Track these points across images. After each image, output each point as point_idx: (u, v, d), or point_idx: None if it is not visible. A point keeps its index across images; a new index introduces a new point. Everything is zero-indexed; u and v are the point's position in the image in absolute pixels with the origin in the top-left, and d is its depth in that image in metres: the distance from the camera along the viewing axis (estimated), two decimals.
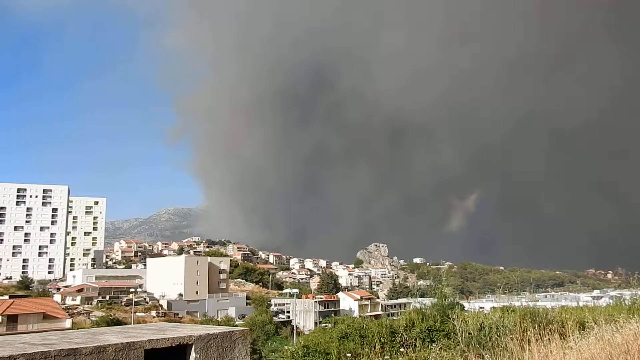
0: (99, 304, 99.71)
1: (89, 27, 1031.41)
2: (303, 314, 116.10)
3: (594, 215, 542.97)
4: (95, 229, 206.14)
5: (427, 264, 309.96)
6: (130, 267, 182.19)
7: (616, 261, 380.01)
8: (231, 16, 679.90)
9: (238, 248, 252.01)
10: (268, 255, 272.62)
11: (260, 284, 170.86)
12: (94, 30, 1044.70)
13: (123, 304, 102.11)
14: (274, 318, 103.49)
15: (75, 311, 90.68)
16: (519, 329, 11.48)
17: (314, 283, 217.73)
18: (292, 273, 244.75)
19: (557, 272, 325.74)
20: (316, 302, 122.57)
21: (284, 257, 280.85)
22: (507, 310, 12.70)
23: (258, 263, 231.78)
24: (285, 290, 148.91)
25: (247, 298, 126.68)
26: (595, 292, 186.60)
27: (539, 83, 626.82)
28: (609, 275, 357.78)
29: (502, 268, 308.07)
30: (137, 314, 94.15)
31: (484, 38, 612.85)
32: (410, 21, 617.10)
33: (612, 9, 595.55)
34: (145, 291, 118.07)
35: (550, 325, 11.43)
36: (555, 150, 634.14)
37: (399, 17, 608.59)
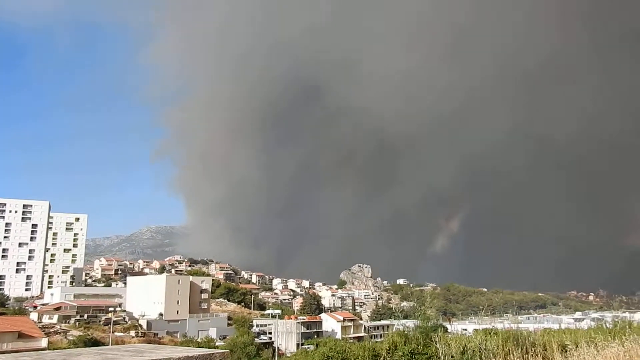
0: (77, 323, 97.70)
1: (70, 46, 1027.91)
2: (285, 335, 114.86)
3: (579, 236, 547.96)
4: (75, 245, 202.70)
5: (411, 285, 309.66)
6: (110, 286, 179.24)
7: (598, 283, 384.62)
8: (213, 32, 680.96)
9: (220, 267, 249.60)
10: (251, 275, 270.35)
11: (243, 304, 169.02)
12: (76, 49, 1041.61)
13: (101, 323, 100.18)
14: (256, 339, 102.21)
15: (52, 330, 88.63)
16: (501, 352, 11.44)
17: (297, 304, 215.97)
18: (275, 293, 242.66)
19: (540, 294, 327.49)
20: (298, 323, 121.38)
21: (267, 277, 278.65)
22: (490, 333, 12.67)
23: (240, 283, 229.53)
24: (267, 311, 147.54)
25: (229, 318, 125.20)
26: (577, 314, 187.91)
27: (527, 102, 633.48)
28: (591, 297, 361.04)
29: (485, 290, 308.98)
30: (116, 333, 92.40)
31: (473, 53, 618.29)
32: (397, 35, 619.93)
33: (598, 28, 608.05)
34: (125, 310, 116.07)
35: (533, 348, 11.40)
36: (543, 170, 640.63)
37: (386, 31, 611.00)
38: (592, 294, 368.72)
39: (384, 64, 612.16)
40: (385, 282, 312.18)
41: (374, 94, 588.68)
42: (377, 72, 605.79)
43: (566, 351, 11.13)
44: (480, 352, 11.66)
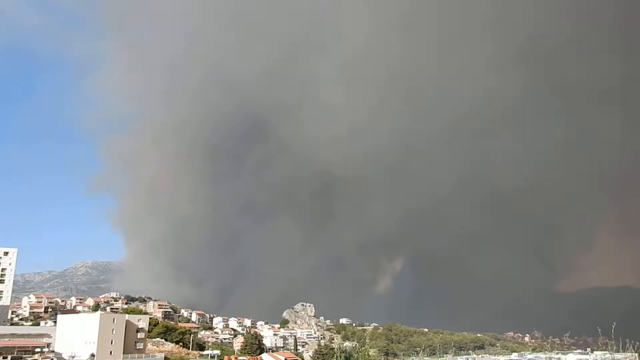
0: None
1: (3, 77, 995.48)
2: None
3: (519, 280, 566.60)
4: (2, 281, 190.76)
5: (353, 324, 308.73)
6: (39, 324, 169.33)
7: (534, 325, 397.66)
8: (162, 66, 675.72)
9: (159, 305, 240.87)
10: (191, 313, 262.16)
11: (181, 344, 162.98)
12: (11, 79, 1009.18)
13: None
14: None
15: None
16: None
17: (238, 343, 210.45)
18: (216, 332, 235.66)
19: (479, 335, 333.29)
20: None
21: (208, 315, 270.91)
22: None
23: (180, 321, 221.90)
24: (206, 352, 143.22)
25: (166, 359, 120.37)
26: (514, 355, 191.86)
27: (478, 145, 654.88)
28: (527, 338, 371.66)
29: (426, 330, 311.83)
30: None
31: (424, 95, 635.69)
32: (347, 75, 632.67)
33: (552, 74, 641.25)
34: (53, 351, 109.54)
35: None
36: (489, 214, 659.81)
37: (336, 71, 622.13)
38: (528, 334, 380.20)
39: (328, 108, 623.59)
40: (328, 322, 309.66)
41: (317, 137, 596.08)
42: (320, 116, 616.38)
43: None
44: None
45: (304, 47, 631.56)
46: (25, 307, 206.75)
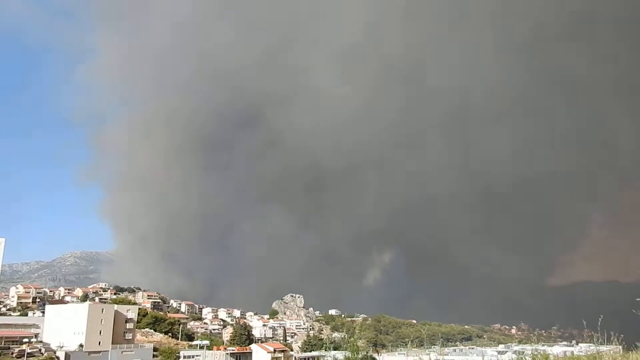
0: None
1: None
2: None
3: (508, 274, 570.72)
4: None
5: (342, 316, 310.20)
6: (27, 315, 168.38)
7: (521, 317, 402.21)
8: (153, 57, 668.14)
9: (148, 296, 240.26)
10: (180, 304, 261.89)
11: (170, 334, 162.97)
12: None
13: (14, 355, 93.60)
14: None
15: None
16: None
17: (227, 334, 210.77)
18: (205, 323, 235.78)
19: (466, 327, 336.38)
20: (227, 354, 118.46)
21: (197, 306, 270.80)
22: None
23: (169, 312, 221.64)
24: (195, 342, 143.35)
25: (155, 349, 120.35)
26: (501, 347, 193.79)
27: (470, 140, 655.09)
28: (513, 330, 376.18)
29: (414, 321, 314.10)
30: None
31: (419, 87, 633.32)
32: (341, 66, 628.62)
33: (549, 69, 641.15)
34: (42, 341, 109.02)
35: None
36: (479, 208, 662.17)
37: (330, 62, 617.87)
38: (514, 327, 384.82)
39: (322, 99, 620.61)
40: (317, 313, 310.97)
41: (308, 129, 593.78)
42: (313, 107, 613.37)
43: None
44: None
45: (297, 37, 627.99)
46: (12, 297, 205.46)
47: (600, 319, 12.84)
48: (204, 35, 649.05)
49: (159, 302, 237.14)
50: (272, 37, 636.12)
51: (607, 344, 13.14)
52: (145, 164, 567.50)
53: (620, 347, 12.90)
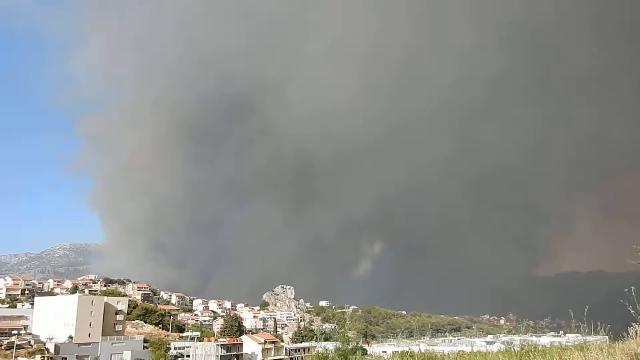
0: None
1: None
2: (204, 358, 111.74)
3: (497, 264, 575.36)
4: None
5: (333, 307, 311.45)
6: (15, 307, 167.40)
7: (510, 308, 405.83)
8: (138, 42, 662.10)
9: (138, 287, 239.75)
10: (170, 295, 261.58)
11: (160, 326, 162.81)
12: None
13: (3, 347, 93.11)
14: None
15: None
16: None
17: (218, 325, 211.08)
18: (195, 314, 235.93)
19: (455, 318, 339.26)
20: (218, 345, 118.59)
21: (187, 297, 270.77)
22: (407, 355, 13.00)
23: (159, 304, 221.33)
24: (186, 333, 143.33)
25: (145, 341, 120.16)
26: (489, 337, 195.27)
27: (460, 129, 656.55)
28: (502, 321, 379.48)
29: (404, 312, 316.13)
30: (19, 358, 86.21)
31: (409, 77, 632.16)
32: (331, 52, 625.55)
33: (536, 58, 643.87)
34: (31, 333, 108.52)
35: None
36: (469, 199, 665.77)
37: (321, 49, 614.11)
38: (503, 317, 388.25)
39: (313, 87, 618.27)
40: (307, 304, 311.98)
41: (299, 117, 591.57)
42: (304, 95, 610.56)
43: None
44: None
45: (287, 25, 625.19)
46: (1, 289, 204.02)
47: (586, 310, 12.98)
48: (194, 23, 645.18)
49: (149, 294, 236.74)
50: (263, 25, 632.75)
51: (594, 334, 13.30)
52: (132, 153, 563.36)
53: (607, 337, 13.06)
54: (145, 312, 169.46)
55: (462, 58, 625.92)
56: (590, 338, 13.23)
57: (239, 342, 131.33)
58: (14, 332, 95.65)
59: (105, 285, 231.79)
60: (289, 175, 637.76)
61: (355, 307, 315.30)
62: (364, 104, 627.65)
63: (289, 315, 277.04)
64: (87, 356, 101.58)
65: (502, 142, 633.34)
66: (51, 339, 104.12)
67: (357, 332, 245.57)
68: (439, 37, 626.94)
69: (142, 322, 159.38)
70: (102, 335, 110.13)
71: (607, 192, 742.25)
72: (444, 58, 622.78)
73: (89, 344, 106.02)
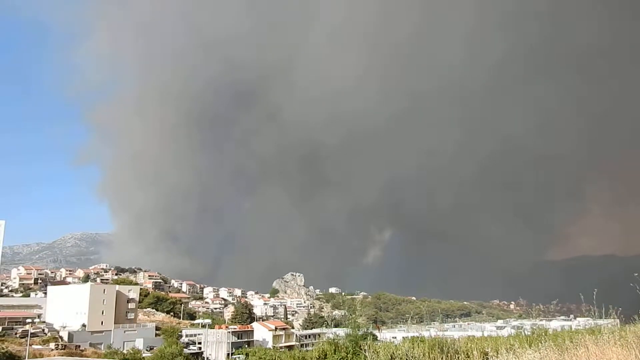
0: None
1: None
2: (215, 345, 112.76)
3: (508, 249, 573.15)
4: None
5: (343, 293, 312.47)
6: (29, 296, 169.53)
7: (519, 292, 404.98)
8: (142, 30, 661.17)
9: (149, 276, 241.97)
10: (181, 283, 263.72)
11: (172, 313, 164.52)
12: None
13: (18, 335, 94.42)
14: (185, 350, 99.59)
15: None
16: (427, 359, 11.80)
17: (228, 313, 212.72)
18: (206, 302, 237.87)
19: (465, 303, 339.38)
20: (229, 332, 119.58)
21: (198, 285, 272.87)
22: (417, 341, 13.02)
23: (170, 292, 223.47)
24: (197, 321, 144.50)
25: (157, 329, 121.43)
26: (499, 322, 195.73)
27: (469, 112, 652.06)
28: (512, 306, 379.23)
29: (414, 298, 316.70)
30: (34, 346, 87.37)
31: (416, 58, 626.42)
32: (337, 35, 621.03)
33: (542, 38, 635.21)
34: (44, 322, 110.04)
35: (456, 355, 11.84)
36: (474, 186, 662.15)
37: (324, 38, 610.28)
38: (513, 302, 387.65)
39: (320, 70, 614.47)
40: (317, 291, 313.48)
41: (307, 102, 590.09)
42: (311, 79, 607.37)
43: (487, 358, 11.64)
44: (407, 359, 11.95)
45: (292, 11, 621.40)
46: (14, 278, 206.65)
47: (595, 293, 12.89)
48: (200, 10, 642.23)
49: (160, 283, 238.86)
50: (267, 9, 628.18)
51: (604, 318, 13.21)
52: (140, 142, 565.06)
53: (618, 320, 12.97)
54: (156, 300, 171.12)
55: (470, 38, 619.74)
56: (600, 322, 13.16)
57: (249, 329, 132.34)
58: (28, 320, 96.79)
59: (116, 274, 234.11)
60: (297, 162, 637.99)
61: (365, 293, 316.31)
62: (370, 87, 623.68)
63: (299, 302, 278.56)
64: (100, 343, 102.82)
65: (511, 123, 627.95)
66: (64, 327, 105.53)
67: (367, 318, 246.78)
68: (445, 17, 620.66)
69: (154, 310, 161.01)
70: (114, 323, 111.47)
71: (618, 176, 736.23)
72: (451, 39, 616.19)
73: (102, 331, 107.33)
